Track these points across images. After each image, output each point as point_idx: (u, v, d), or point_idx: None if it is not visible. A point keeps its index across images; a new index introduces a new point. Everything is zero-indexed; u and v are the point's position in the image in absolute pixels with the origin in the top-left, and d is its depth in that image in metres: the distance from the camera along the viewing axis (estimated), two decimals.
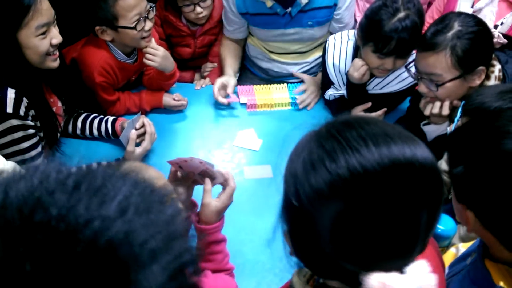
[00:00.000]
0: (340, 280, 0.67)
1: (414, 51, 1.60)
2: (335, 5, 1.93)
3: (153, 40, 1.79)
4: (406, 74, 1.76)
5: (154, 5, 1.76)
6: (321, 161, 0.62)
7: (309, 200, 0.62)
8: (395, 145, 0.60)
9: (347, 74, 1.80)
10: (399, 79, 1.79)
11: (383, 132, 0.62)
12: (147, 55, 1.78)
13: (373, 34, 1.58)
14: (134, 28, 1.66)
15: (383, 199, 0.59)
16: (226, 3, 2.02)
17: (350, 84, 1.83)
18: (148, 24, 1.72)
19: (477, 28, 1.38)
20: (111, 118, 1.77)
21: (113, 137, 1.76)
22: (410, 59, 1.73)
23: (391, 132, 0.63)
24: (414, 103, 1.84)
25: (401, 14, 1.51)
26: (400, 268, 0.61)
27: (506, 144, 0.79)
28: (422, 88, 1.49)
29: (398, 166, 0.59)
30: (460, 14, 1.43)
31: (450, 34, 1.38)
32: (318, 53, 2.09)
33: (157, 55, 1.78)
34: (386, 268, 0.60)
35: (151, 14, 1.73)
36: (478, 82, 1.42)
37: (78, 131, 1.79)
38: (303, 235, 0.66)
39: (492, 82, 1.47)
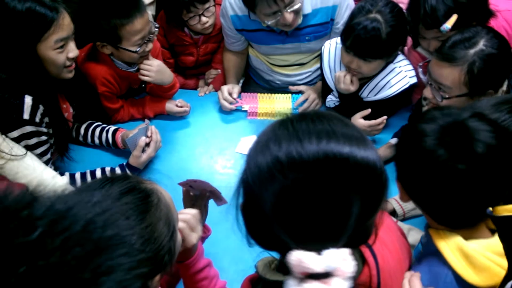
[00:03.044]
0: (278, 252, 0.73)
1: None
2: (332, 20, 1.93)
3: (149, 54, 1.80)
4: (396, 79, 1.78)
5: (157, 26, 1.77)
6: (267, 144, 0.69)
7: (252, 176, 0.69)
8: (335, 142, 0.67)
9: (336, 87, 1.82)
10: (390, 84, 1.79)
11: (330, 129, 0.68)
12: (142, 71, 1.80)
13: (344, 25, 1.66)
14: (136, 52, 1.69)
15: (313, 186, 0.65)
16: (223, 20, 2.03)
17: (341, 95, 1.84)
18: (149, 46, 1.73)
19: (499, 51, 1.35)
20: (112, 128, 1.79)
21: (113, 147, 1.78)
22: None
23: (339, 131, 0.69)
24: (416, 112, 1.84)
25: (370, 15, 1.56)
26: (319, 250, 0.65)
27: (425, 142, 0.94)
28: (427, 92, 1.48)
29: (330, 160, 0.65)
30: (489, 32, 1.38)
31: (472, 51, 1.34)
32: (319, 63, 2.10)
33: (151, 70, 1.79)
34: (311, 247, 0.65)
35: (153, 36, 1.75)
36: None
37: (81, 138, 1.81)
38: (250, 208, 0.73)
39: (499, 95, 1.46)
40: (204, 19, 2.02)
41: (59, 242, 0.47)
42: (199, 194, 1.28)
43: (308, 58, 2.10)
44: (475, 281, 0.92)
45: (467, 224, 0.98)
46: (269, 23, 1.75)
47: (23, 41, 1.34)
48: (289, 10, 1.71)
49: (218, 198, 1.28)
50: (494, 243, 0.95)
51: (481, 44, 1.35)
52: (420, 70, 1.59)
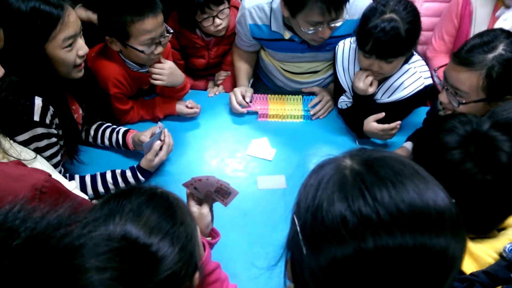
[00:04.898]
0: None
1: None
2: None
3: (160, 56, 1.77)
4: (410, 80, 1.75)
5: (172, 31, 1.75)
6: (336, 200, 0.61)
7: (319, 246, 0.61)
8: (424, 206, 0.60)
9: (352, 86, 1.79)
10: (404, 86, 1.76)
11: (415, 195, 0.61)
12: (153, 75, 1.78)
13: (358, 30, 1.63)
14: (142, 51, 1.66)
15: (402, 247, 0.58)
16: (239, 27, 2.00)
17: (356, 96, 1.81)
18: (159, 49, 1.71)
19: None
20: (122, 130, 1.77)
21: (123, 148, 1.76)
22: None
23: (407, 175, 0.63)
24: (431, 116, 1.80)
25: (386, 16, 1.54)
26: None
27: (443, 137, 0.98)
28: (443, 98, 1.45)
29: (429, 220, 0.60)
30: (509, 36, 1.35)
31: (491, 56, 1.31)
32: (332, 69, 2.07)
33: (163, 73, 1.78)
34: None
35: (165, 40, 1.72)
36: None
37: (91, 139, 1.79)
38: (305, 269, 0.65)
39: None
40: (218, 21, 1.99)
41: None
42: (203, 198, 1.25)
43: (322, 66, 2.08)
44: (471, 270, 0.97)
45: (488, 230, 1.01)
46: (309, 32, 1.69)
47: (30, 42, 1.32)
48: (331, 25, 1.66)
49: (224, 196, 1.25)
50: (497, 244, 0.98)
51: (500, 49, 1.31)
52: (435, 74, 1.56)
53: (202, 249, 1.09)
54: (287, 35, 1.81)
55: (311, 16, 1.62)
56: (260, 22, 1.90)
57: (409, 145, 1.73)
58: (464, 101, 1.37)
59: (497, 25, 1.82)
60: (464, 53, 1.36)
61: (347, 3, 1.65)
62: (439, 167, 0.95)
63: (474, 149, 0.96)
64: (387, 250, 0.57)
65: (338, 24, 1.68)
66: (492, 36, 1.34)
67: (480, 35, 1.37)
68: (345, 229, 0.59)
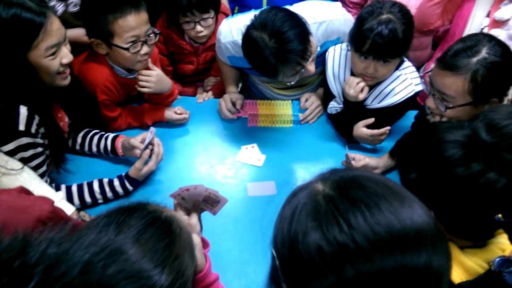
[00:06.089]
0: None
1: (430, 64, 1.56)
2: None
3: (149, 61, 1.75)
4: (401, 87, 1.75)
5: (158, 32, 1.73)
6: (311, 231, 0.59)
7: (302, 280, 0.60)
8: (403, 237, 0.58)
9: (343, 92, 1.78)
10: (395, 92, 1.76)
11: (392, 220, 0.59)
12: (140, 82, 1.75)
13: (354, 33, 1.62)
14: (127, 49, 1.63)
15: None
16: (219, 55, 1.98)
17: (346, 102, 1.80)
18: (145, 49, 1.68)
19: (503, 59, 1.33)
20: (111, 135, 1.74)
21: (112, 155, 1.73)
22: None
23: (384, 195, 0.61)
24: (419, 119, 1.81)
25: (382, 17, 1.55)
26: None
27: (445, 151, 0.92)
28: (430, 103, 1.45)
29: (398, 236, 0.58)
30: (491, 39, 1.36)
31: (475, 59, 1.32)
32: (319, 79, 2.08)
33: (150, 81, 1.76)
34: None
35: (151, 40, 1.69)
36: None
37: (78, 147, 1.76)
38: None
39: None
40: (199, 28, 1.99)
41: None
42: (191, 208, 1.22)
43: (310, 79, 2.07)
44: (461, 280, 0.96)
45: (490, 235, 0.99)
46: (293, 82, 1.67)
47: (13, 50, 1.29)
48: (310, 62, 1.61)
49: (213, 205, 1.23)
50: (487, 254, 0.98)
51: (483, 52, 1.32)
52: (421, 80, 1.56)
53: (203, 260, 1.08)
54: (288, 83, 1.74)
55: (288, 73, 1.59)
56: (238, 55, 1.86)
57: None
58: (451, 106, 1.38)
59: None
60: (449, 58, 1.37)
61: (311, 36, 1.59)
62: (438, 167, 0.93)
63: (483, 156, 0.91)
64: (369, 275, 0.56)
65: (314, 56, 1.62)
66: (475, 40, 1.36)
67: (463, 40, 1.39)
68: (322, 261, 0.57)
